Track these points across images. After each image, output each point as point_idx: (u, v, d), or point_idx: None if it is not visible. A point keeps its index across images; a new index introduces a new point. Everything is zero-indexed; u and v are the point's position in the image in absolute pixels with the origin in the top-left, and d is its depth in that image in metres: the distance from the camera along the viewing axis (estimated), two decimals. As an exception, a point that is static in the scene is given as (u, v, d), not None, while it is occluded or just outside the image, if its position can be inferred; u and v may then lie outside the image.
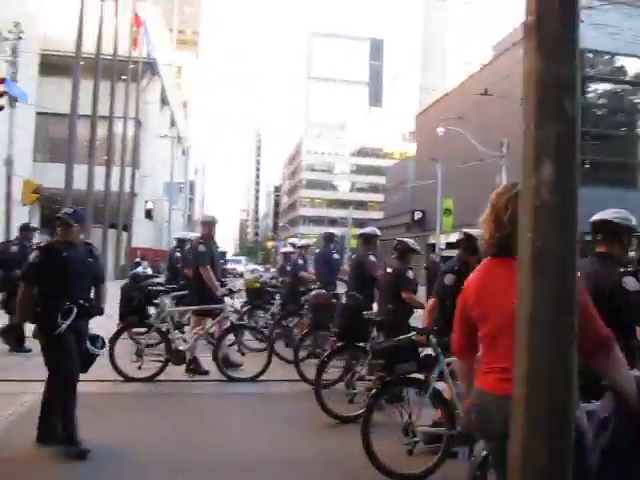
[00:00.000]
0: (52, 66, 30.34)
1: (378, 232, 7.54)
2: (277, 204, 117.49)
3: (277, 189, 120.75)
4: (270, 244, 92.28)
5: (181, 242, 10.61)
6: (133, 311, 7.10)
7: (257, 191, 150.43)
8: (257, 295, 9.77)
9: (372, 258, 6.97)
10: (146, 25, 34.24)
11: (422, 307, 5.86)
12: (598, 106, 26.82)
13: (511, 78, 19.87)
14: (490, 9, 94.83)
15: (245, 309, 9.64)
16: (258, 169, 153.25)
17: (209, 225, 7.67)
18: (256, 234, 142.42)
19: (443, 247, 33.27)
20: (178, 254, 10.22)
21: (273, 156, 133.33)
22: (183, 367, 7.02)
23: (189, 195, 75.40)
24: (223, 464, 4.28)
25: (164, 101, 43.23)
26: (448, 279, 4.96)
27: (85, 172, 27.22)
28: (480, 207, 2.33)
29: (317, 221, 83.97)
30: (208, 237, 7.58)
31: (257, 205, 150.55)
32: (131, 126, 35.87)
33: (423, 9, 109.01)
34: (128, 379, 6.60)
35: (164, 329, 7.04)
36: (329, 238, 9.56)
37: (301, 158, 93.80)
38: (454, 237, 35.56)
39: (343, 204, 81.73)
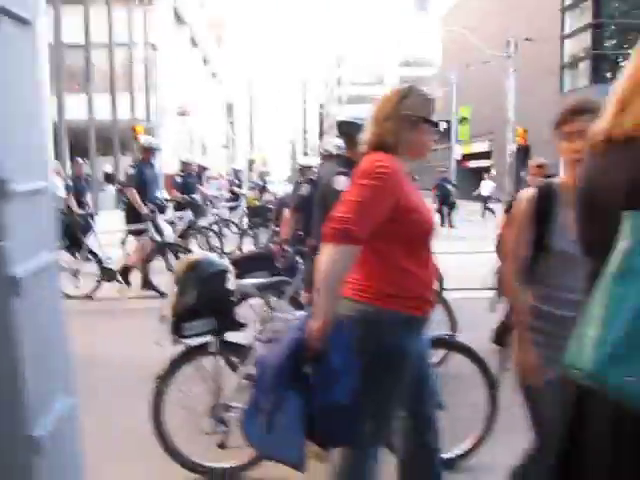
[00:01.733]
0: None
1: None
2: (321, 122, 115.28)
3: (322, 106, 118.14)
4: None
5: (185, 165, 10.80)
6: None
7: (305, 109, 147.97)
8: (255, 213, 9.82)
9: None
10: None
11: None
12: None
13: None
14: None
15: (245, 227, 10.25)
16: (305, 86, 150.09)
17: (144, 149, 8.08)
18: (305, 153, 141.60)
19: (459, 158, 31.96)
20: (179, 179, 10.33)
21: (318, 72, 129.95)
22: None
23: (229, 119, 75.43)
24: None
25: (180, 20, 42.19)
26: (304, 189, 4.86)
27: (100, 102, 27.42)
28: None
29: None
30: (142, 161, 8.03)
31: (305, 123, 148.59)
32: (142, 51, 35.41)
33: None
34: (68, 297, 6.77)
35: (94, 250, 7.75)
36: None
37: (340, 72, 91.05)
38: (476, 147, 34.03)
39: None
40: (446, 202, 16.57)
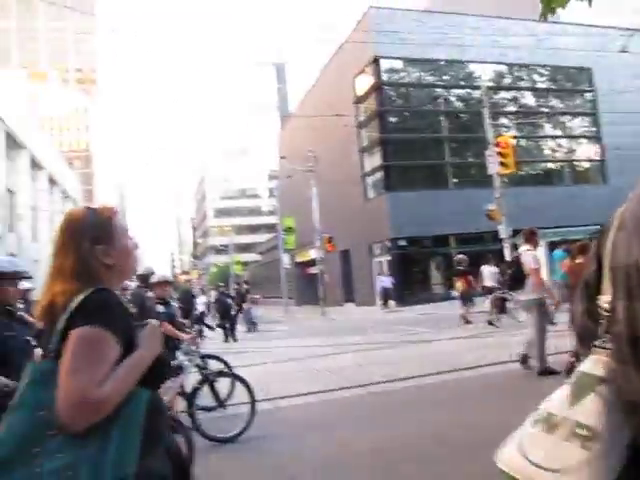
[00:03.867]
0: None
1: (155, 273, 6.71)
2: (194, 234, 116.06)
3: (193, 219, 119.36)
4: (183, 277, 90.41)
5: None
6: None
7: (178, 223, 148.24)
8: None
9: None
10: None
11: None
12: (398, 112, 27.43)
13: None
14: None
15: None
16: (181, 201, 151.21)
17: None
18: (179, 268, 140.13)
19: (287, 266, 33.31)
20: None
21: (188, 185, 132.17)
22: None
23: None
24: None
25: (38, 166, 41.88)
26: None
27: None
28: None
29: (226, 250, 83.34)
30: None
31: (180, 238, 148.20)
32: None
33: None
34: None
35: None
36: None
37: (204, 187, 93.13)
38: (314, 254, 35.65)
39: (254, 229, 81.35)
40: (227, 316, 16.72)
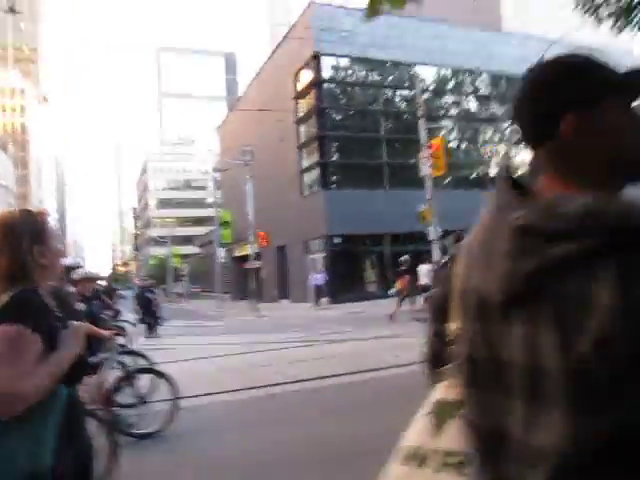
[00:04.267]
0: None
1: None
2: (136, 225, 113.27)
3: (135, 210, 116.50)
4: (122, 268, 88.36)
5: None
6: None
7: (120, 214, 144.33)
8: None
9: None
10: None
11: None
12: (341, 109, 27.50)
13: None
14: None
15: None
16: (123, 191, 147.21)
17: None
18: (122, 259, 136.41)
19: (222, 260, 32.93)
20: None
21: (132, 176, 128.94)
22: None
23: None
24: None
25: None
26: None
27: None
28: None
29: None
30: None
31: (121, 228, 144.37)
32: None
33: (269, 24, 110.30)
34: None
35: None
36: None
37: (147, 177, 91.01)
38: (243, 251, 35.52)
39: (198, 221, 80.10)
40: (148, 312, 16.23)
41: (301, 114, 27.45)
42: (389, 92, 27.84)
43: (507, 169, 1.05)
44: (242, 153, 24.90)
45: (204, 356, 11.32)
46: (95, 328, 5.70)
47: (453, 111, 29.75)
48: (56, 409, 1.69)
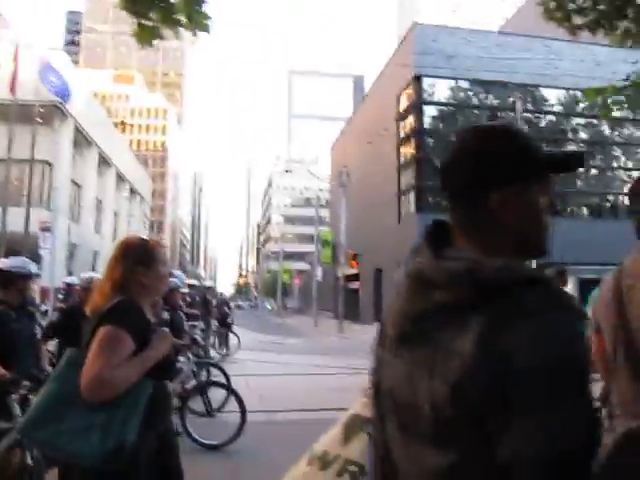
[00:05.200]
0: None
1: None
2: (259, 240, 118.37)
3: (259, 225, 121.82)
4: (242, 280, 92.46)
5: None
6: None
7: (247, 228, 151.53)
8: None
9: None
10: (49, 69, 34.53)
11: None
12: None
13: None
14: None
15: None
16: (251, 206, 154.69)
17: None
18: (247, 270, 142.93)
19: (318, 278, 33.09)
20: None
21: (259, 193, 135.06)
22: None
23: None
24: None
25: (86, 142, 43.34)
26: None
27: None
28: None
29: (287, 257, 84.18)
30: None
31: (248, 242, 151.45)
32: (45, 169, 36.70)
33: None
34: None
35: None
36: None
37: (271, 193, 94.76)
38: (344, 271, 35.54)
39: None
40: (224, 324, 16.14)
41: (402, 136, 27.17)
42: (501, 114, 26.62)
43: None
44: (339, 174, 25.05)
45: (264, 373, 11.59)
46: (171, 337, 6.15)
47: (580, 134, 27.69)
48: (142, 398, 2.07)
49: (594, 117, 27.63)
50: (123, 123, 76.16)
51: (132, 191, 57.09)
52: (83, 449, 2.00)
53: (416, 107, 25.32)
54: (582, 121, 28.13)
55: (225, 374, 7.47)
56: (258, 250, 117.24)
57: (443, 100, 26.23)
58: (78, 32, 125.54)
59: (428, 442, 0.95)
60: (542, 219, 1.04)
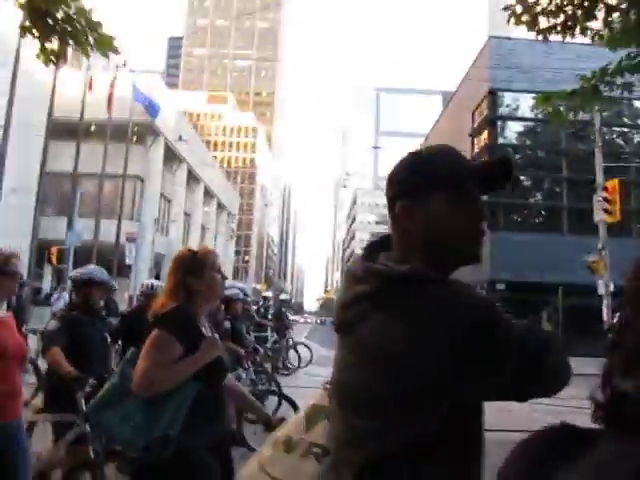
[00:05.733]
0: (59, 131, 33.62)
1: None
2: (343, 256, 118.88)
3: (344, 242, 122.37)
4: (326, 295, 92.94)
5: None
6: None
7: (334, 244, 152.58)
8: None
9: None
10: (136, 89, 36.78)
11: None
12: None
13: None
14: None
15: None
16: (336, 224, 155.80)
17: None
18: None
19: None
20: None
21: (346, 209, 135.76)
22: None
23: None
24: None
25: (176, 159, 45.37)
26: None
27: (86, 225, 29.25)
28: None
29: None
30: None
31: (334, 258, 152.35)
32: (137, 184, 39.10)
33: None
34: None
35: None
36: None
37: (354, 212, 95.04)
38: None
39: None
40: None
41: (476, 151, 26.50)
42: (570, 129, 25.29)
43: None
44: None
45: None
46: (232, 345, 6.22)
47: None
48: (188, 398, 2.25)
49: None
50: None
51: (219, 206, 59.35)
52: (129, 436, 2.26)
53: (490, 122, 24.64)
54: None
55: (277, 384, 7.48)
56: (342, 268, 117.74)
57: (520, 115, 25.32)
58: (178, 56, 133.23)
59: (357, 415, 1.08)
60: (454, 228, 1.15)
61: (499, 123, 24.90)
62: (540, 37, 5.33)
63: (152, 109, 38.37)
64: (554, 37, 5.26)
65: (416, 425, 1.03)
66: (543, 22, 5.22)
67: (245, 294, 7.62)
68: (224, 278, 2.66)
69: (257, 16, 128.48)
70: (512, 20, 5.20)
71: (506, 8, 5.20)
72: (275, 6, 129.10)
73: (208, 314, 2.65)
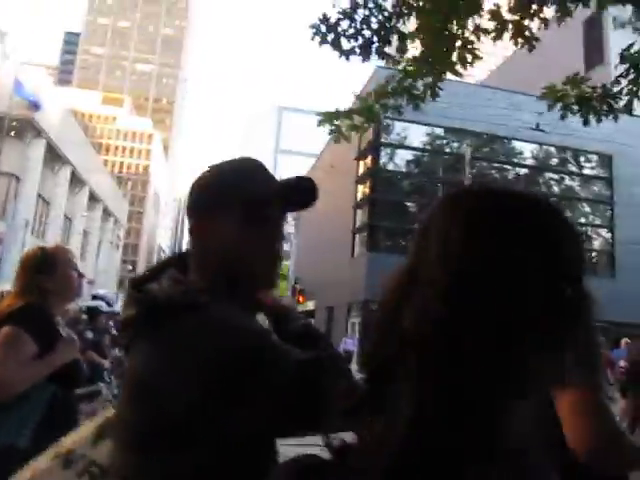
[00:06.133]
0: None
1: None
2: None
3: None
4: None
5: None
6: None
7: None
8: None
9: None
10: (17, 82, 34.83)
11: None
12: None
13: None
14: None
15: None
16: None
17: None
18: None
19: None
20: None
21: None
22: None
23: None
24: None
25: (59, 159, 43.19)
26: None
27: None
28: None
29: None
30: None
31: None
32: (11, 182, 36.67)
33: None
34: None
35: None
36: None
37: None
38: (310, 305, 35.31)
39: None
40: None
41: (360, 174, 27.41)
42: (449, 160, 26.92)
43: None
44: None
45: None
46: (94, 356, 5.97)
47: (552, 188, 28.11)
48: (40, 401, 2.05)
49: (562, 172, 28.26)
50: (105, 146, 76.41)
51: (106, 211, 56.90)
52: None
53: (373, 148, 25.58)
54: (553, 175, 28.65)
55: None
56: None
57: (404, 143, 26.55)
58: (74, 53, 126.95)
59: (122, 446, 1.04)
60: (245, 249, 1.09)
61: (383, 150, 25.90)
62: (343, 57, 5.65)
63: (34, 104, 36.34)
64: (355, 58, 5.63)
65: (177, 459, 0.95)
66: (345, 44, 5.55)
67: (110, 304, 7.35)
68: (81, 276, 2.53)
69: (162, 21, 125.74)
70: (317, 38, 5.46)
71: (312, 26, 5.46)
72: (181, 13, 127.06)
73: (68, 323, 2.49)
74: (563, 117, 5.54)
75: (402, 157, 26.73)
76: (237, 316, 1.03)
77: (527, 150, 28.01)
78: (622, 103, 5.30)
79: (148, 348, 1.00)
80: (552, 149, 28.09)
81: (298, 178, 1.20)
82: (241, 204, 1.10)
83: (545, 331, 0.62)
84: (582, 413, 1.38)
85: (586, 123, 5.45)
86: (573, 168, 28.83)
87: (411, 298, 0.66)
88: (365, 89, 26.74)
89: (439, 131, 26.92)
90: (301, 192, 1.19)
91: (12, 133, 35.51)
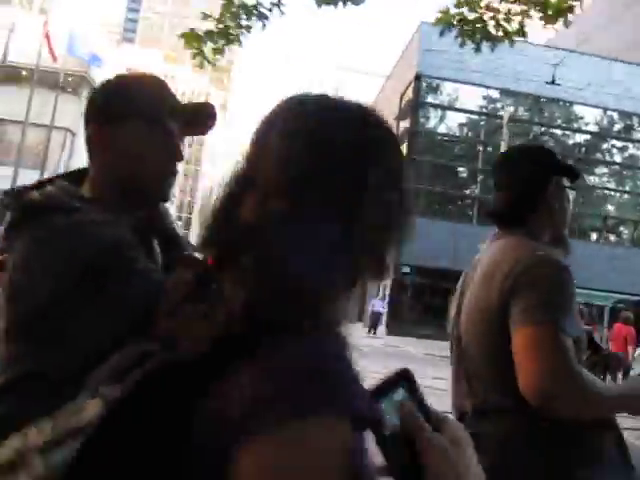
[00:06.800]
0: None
1: None
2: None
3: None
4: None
5: None
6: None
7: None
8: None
9: None
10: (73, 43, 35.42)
11: None
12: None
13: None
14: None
15: None
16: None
17: None
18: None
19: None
20: None
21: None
22: None
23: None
24: None
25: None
26: None
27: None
28: None
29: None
30: None
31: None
32: (67, 136, 37.88)
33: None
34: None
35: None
36: None
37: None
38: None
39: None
40: None
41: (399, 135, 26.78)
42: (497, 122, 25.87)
43: None
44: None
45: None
46: None
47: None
48: None
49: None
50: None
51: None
52: None
53: (413, 107, 24.88)
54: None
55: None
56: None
57: (445, 103, 25.67)
58: (138, 11, 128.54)
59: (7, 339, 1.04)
60: (146, 159, 1.10)
61: (421, 110, 25.17)
62: None
63: (92, 61, 37.10)
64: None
65: (40, 355, 0.96)
66: None
67: None
68: None
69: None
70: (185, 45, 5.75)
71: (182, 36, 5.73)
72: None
73: None
74: (462, 45, 5.41)
75: (443, 119, 25.91)
76: (105, 222, 1.03)
77: (589, 115, 26.60)
78: (514, 25, 5.04)
79: (19, 245, 1.03)
80: (615, 115, 26.55)
81: (200, 103, 1.23)
82: (145, 116, 1.10)
83: (369, 228, 0.68)
84: (531, 349, 1.31)
85: (478, 50, 5.33)
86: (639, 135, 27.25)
87: (250, 193, 0.70)
88: (410, 46, 26.03)
89: (489, 93, 25.85)
90: (202, 116, 1.21)
91: (68, 89, 36.42)
